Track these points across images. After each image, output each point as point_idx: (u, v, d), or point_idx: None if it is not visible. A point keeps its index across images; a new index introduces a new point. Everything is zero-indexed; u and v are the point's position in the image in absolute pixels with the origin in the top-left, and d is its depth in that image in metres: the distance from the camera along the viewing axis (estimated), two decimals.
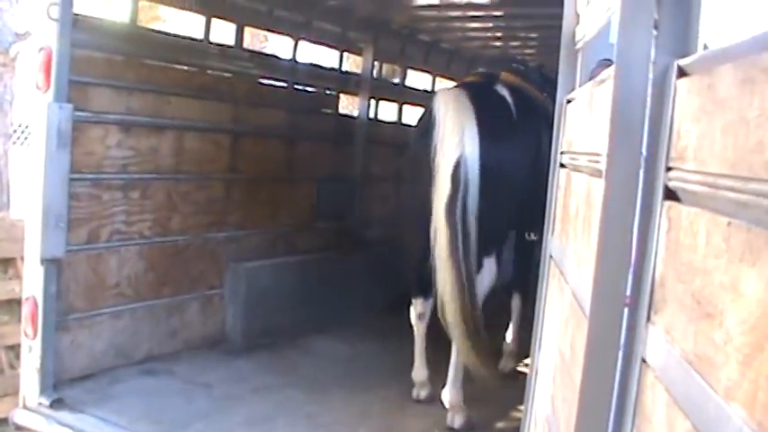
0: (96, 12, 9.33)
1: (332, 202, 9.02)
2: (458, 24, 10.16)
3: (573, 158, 3.46)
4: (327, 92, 9.32)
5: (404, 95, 10.85)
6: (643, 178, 2.09)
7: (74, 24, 5.76)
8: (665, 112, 1.98)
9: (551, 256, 3.93)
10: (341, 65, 9.55)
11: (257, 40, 14.66)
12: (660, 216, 1.96)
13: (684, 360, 1.63)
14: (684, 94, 1.89)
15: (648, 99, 2.09)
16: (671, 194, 1.92)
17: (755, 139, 1.35)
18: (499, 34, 10.88)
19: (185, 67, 7.20)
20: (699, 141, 1.73)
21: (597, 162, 2.42)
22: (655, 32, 2.09)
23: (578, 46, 3.99)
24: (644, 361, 1.96)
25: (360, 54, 9.71)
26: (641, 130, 2.11)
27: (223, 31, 8.02)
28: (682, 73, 1.93)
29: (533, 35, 10.42)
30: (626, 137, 2.16)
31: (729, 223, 1.46)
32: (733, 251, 1.42)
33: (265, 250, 8.11)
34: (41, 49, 5.66)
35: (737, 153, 1.45)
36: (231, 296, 7.62)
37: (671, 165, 1.92)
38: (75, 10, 5.85)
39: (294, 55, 8.59)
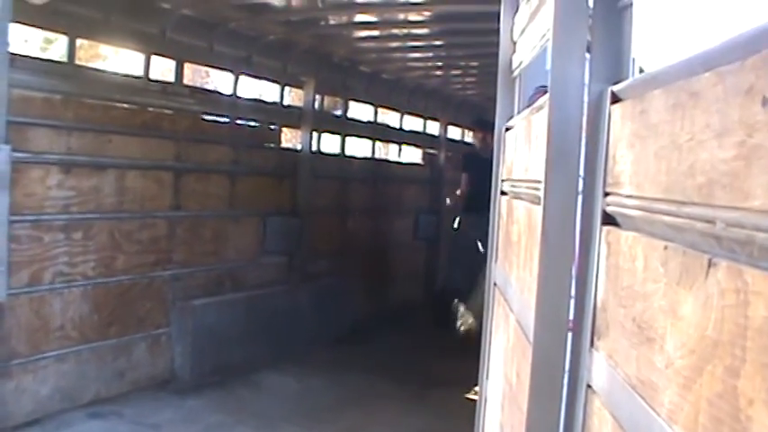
0: (34, 51, 9.24)
1: (278, 236, 8.98)
2: (398, 55, 10.23)
3: (513, 186, 3.48)
4: (270, 126, 9.29)
5: (346, 127, 10.86)
6: (581, 204, 2.10)
7: (11, 64, 5.67)
8: (601, 138, 2.00)
9: (495, 284, 3.94)
10: (282, 99, 9.54)
11: (199, 75, 14.61)
12: (599, 241, 1.97)
13: (628, 384, 1.63)
14: (618, 119, 1.91)
15: (584, 125, 2.11)
16: (609, 219, 1.93)
17: (687, 164, 1.37)
18: (440, 63, 10.97)
19: (126, 105, 7.13)
20: (634, 166, 1.74)
21: (537, 189, 2.43)
22: (588, 58, 2.12)
23: (515, 74, 4.03)
24: (589, 386, 1.96)
25: (301, 87, 9.71)
26: (578, 157, 2.13)
27: (163, 68, 8.00)
28: (615, 98, 1.95)
29: (474, 63, 10.52)
30: (563, 163, 2.17)
31: (666, 247, 1.47)
32: (670, 275, 1.43)
33: (212, 287, 8.05)
34: None
35: (671, 177, 1.46)
36: (179, 335, 7.54)
37: (608, 190, 1.94)
38: (12, 49, 5.77)
39: (235, 90, 8.56)
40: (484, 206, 4.35)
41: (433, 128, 13.43)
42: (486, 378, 4.08)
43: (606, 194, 1.95)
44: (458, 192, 9.87)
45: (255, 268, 8.73)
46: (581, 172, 2.13)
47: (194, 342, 7.56)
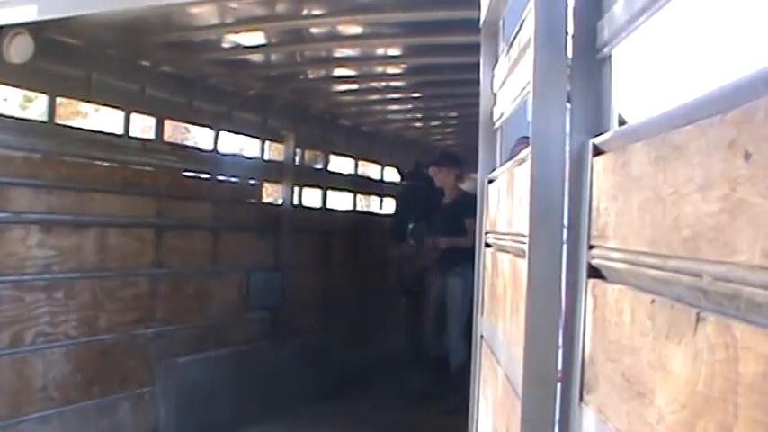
0: (13, 110, 9.25)
1: (261, 291, 8.94)
2: (378, 107, 10.31)
3: (497, 238, 3.47)
4: (251, 181, 9.30)
5: (327, 181, 10.88)
6: (566, 256, 2.09)
7: None
8: (584, 191, 2.00)
9: (482, 336, 3.92)
10: (263, 153, 9.56)
11: (179, 132, 14.64)
12: (586, 294, 1.96)
13: None
14: (601, 171, 1.91)
15: (566, 178, 2.11)
16: (595, 272, 1.93)
17: (671, 217, 1.37)
18: (419, 115, 11.06)
19: (106, 163, 7.11)
20: (618, 219, 1.74)
21: (522, 243, 2.43)
22: (569, 110, 2.12)
23: (496, 125, 4.04)
24: None
25: (281, 142, 9.73)
26: (561, 209, 2.13)
27: (143, 125, 8.01)
28: (597, 151, 1.96)
29: (453, 114, 10.60)
30: (547, 216, 2.17)
31: (653, 301, 1.46)
32: (658, 329, 1.42)
33: (196, 344, 7.98)
34: None
35: (656, 230, 1.46)
36: (163, 393, 7.45)
37: (593, 243, 1.93)
38: None
39: (215, 146, 8.57)
40: None
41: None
42: None
43: (591, 247, 1.95)
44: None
45: (239, 324, 8.67)
46: (565, 224, 2.12)
47: (179, 400, 7.47)
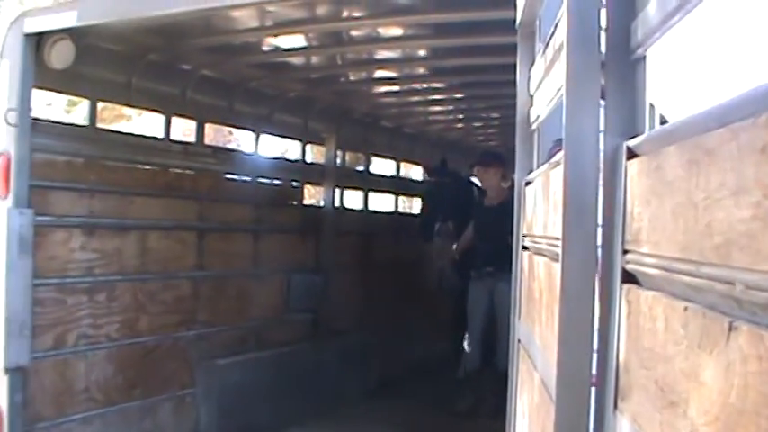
0: (57, 116, 9.35)
1: (302, 293, 8.94)
2: (420, 109, 10.28)
3: (534, 241, 3.43)
4: (292, 183, 9.30)
5: (369, 182, 10.87)
6: (600, 261, 2.05)
7: (33, 129, 5.74)
8: (618, 195, 1.96)
9: (519, 340, 3.88)
10: (304, 156, 9.56)
11: (221, 135, 14.72)
12: (620, 299, 1.92)
13: None
14: (635, 175, 1.87)
15: (600, 181, 2.07)
16: (629, 277, 1.89)
17: (704, 223, 1.32)
18: (461, 116, 11.01)
19: (147, 167, 7.16)
20: (651, 224, 1.70)
21: (556, 246, 2.39)
22: (603, 113, 2.08)
23: (533, 127, 4.00)
24: None
25: (323, 144, 9.74)
26: (595, 213, 2.08)
27: (185, 128, 8.04)
28: (631, 154, 1.91)
29: (495, 115, 10.53)
30: (580, 219, 2.13)
31: (686, 308, 1.42)
32: (691, 338, 1.38)
33: (237, 346, 8.00)
34: (0, 154, 5.64)
35: (688, 236, 1.42)
36: (204, 395, 7.48)
37: (627, 247, 1.89)
38: (35, 114, 5.84)
39: (257, 148, 8.59)
40: None
41: None
42: None
43: (625, 252, 1.90)
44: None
45: (280, 326, 8.68)
46: (599, 228, 2.08)
47: (220, 402, 7.50)
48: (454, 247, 9.53)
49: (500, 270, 7.59)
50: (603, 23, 2.10)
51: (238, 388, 7.66)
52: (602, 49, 2.10)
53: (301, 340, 8.89)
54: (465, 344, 9.13)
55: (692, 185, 1.40)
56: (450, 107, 10.39)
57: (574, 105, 2.16)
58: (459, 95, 9.61)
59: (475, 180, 9.76)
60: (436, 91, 9.20)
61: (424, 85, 8.91)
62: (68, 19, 5.42)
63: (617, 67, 2.03)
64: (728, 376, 1.19)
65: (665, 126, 1.78)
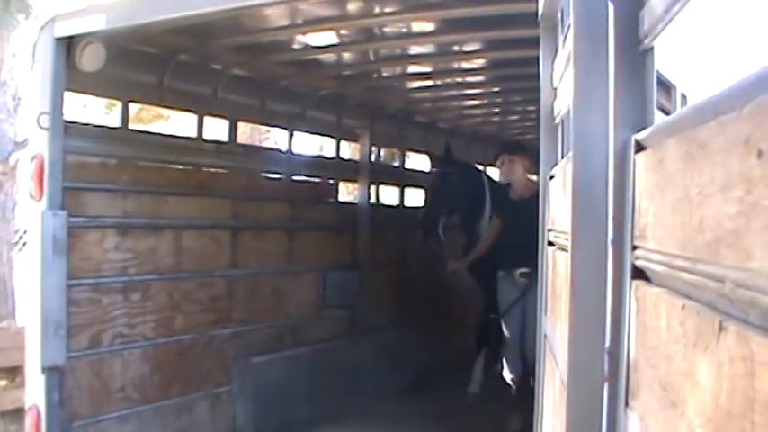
0: (90, 118, 9.42)
1: (338, 290, 8.93)
2: (454, 103, 10.22)
3: (556, 236, 3.40)
4: (326, 180, 9.30)
5: (404, 178, 10.83)
6: (611, 256, 2.01)
7: (66, 131, 5.78)
8: (627, 189, 1.92)
9: (546, 336, 3.84)
10: (338, 152, 9.55)
11: (258, 133, 14.74)
12: (630, 296, 1.88)
13: None
14: (642, 169, 1.83)
15: (611, 175, 2.02)
16: (639, 273, 1.85)
17: (697, 219, 1.29)
18: (497, 110, 10.93)
19: (180, 166, 7.20)
20: (655, 219, 1.66)
21: (568, 240, 2.35)
22: (612, 107, 2.04)
23: (557, 120, 3.95)
24: None
25: (357, 140, 9.72)
26: (605, 207, 2.04)
27: (219, 127, 8.06)
28: (640, 147, 1.87)
29: (531, 108, 10.43)
30: (589, 214, 2.09)
31: (684, 306, 1.38)
32: (688, 336, 1.34)
33: (273, 343, 8.01)
34: (34, 157, 5.69)
35: (685, 232, 1.38)
36: (240, 392, 7.50)
37: (636, 243, 1.85)
38: (67, 117, 5.89)
39: (290, 146, 8.59)
40: None
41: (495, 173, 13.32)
42: None
43: (634, 248, 1.86)
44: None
45: (316, 323, 8.68)
46: (610, 223, 2.04)
47: (256, 399, 7.51)
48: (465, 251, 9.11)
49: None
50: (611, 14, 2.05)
51: (275, 385, 7.68)
52: (611, 39, 2.05)
53: (338, 337, 8.89)
54: (503, 360, 8.36)
55: (688, 180, 1.36)
56: (486, 101, 10.31)
57: (582, 98, 2.13)
58: (495, 89, 9.53)
59: (483, 170, 9.57)
60: (471, 85, 9.14)
61: (458, 80, 8.84)
62: (97, 22, 5.44)
63: (625, 59, 1.98)
64: (719, 377, 1.16)
65: (669, 118, 1.74)
